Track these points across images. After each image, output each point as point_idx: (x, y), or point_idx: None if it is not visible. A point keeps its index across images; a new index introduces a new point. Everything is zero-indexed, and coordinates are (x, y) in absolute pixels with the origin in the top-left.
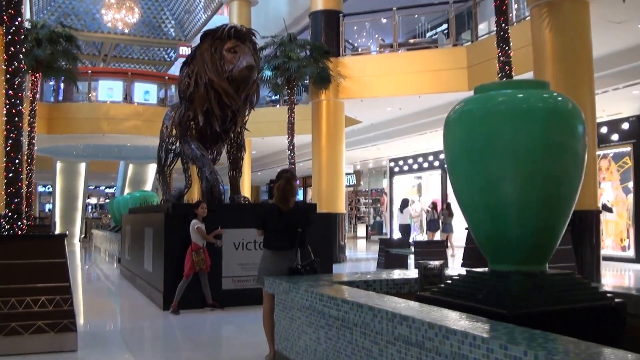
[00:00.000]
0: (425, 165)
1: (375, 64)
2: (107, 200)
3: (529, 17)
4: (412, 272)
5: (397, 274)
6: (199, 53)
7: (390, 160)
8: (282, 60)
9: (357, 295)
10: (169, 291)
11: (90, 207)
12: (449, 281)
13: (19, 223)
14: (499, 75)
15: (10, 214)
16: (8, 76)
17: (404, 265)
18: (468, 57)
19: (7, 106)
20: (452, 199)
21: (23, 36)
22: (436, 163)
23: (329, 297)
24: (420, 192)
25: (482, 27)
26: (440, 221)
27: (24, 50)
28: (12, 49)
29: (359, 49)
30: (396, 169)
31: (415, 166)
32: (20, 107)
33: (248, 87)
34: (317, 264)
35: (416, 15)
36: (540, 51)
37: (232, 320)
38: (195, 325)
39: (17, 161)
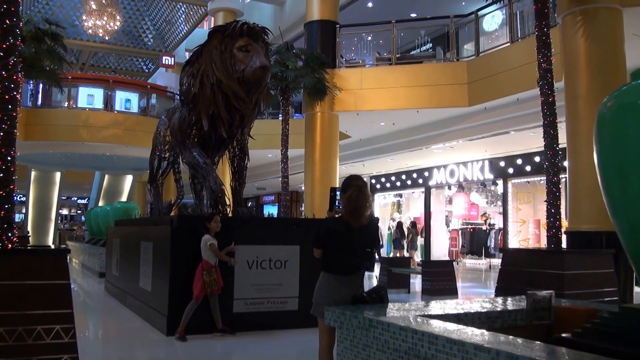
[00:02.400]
0: (409, 182)
1: (372, 76)
2: (79, 212)
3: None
4: (499, 303)
5: (485, 305)
6: (207, 51)
7: (372, 178)
8: (280, 70)
9: (494, 340)
10: (174, 314)
11: (60, 218)
12: (598, 320)
13: (10, 234)
14: (540, 83)
15: None
16: (1, 54)
17: (407, 286)
18: (468, 72)
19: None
20: (438, 218)
21: (21, 6)
22: (420, 181)
23: (449, 341)
24: (400, 210)
25: (468, 47)
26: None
27: (21, 24)
28: (7, 21)
29: (345, 62)
30: (377, 186)
31: (398, 183)
32: (15, 93)
33: (260, 90)
34: (384, 291)
35: (402, 34)
36: (572, 60)
37: (246, 347)
38: (206, 353)
39: (9, 159)
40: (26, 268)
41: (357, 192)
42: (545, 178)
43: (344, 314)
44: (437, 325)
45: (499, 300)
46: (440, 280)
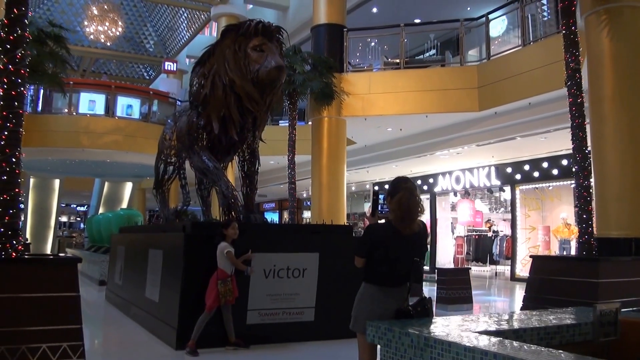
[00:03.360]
0: None
1: (380, 81)
2: (78, 219)
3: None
4: (556, 316)
5: (541, 318)
6: (219, 50)
7: (375, 184)
8: (287, 73)
9: None
10: (184, 327)
11: (59, 225)
12: None
13: (14, 242)
14: (568, 83)
15: (2, 229)
16: (8, 46)
17: (419, 294)
18: (479, 76)
19: (5, 86)
20: (443, 225)
21: None
22: (425, 187)
23: None
24: None
25: (472, 53)
26: None
27: (30, 14)
28: (15, 10)
29: (351, 67)
30: (381, 193)
31: None
32: (22, 88)
33: (274, 92)
34: (430, 304)
35: (406, 40)
36: (597, 61)
37: None
38: None
39: (13, 160)
40: (32, 279)
41: (408, 195)
42: (552, 184)
43: (392, 330)
44: (514, 347)
45: (554, 313)
46: (456, 288)
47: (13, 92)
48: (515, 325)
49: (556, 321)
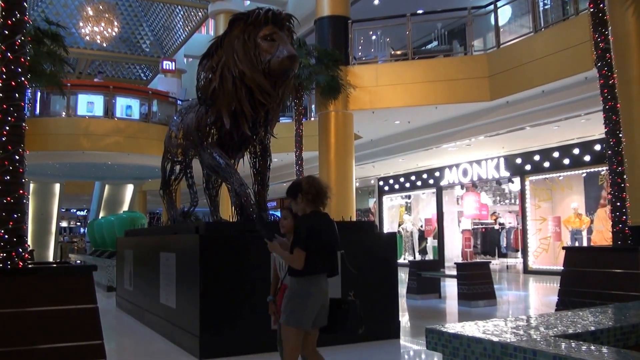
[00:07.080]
0: (419, 183)
1: (388, 73)
2: (78, 224)
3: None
4: (626, 313)
5: (612, 316)
6: (228, 41)
7: (379, 179)
8: None
9: None
10: (207, 335)
11: (59, 230)
12: None
13: (20, 250)
14: (598, 64)
15: (6, 236)
16: (6, 32)
17: (437, 290)
18: (489, 65)
19: (4, 76)
20: (450, 219)
21: None
22: (430, 181)
23: None
24: (410, 212)
25: (477, 44)
26: None
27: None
28: None
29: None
30: (386, 188)
31: (408, 184)
32: (23, 78)
33: (287, 82)
34: (360, 310)
35: (407, 32)
36: (623, 41)
37: None
38: None
39: (16, 157)
40: (42, 290)
41: (312, 177)
42: (563, 174)
43: (459, 336)
44: (614, 356)
45: (617, 308)
46: (477, 283)
47: (13, 83)
48: (590, 325)
49: (629, 319)
